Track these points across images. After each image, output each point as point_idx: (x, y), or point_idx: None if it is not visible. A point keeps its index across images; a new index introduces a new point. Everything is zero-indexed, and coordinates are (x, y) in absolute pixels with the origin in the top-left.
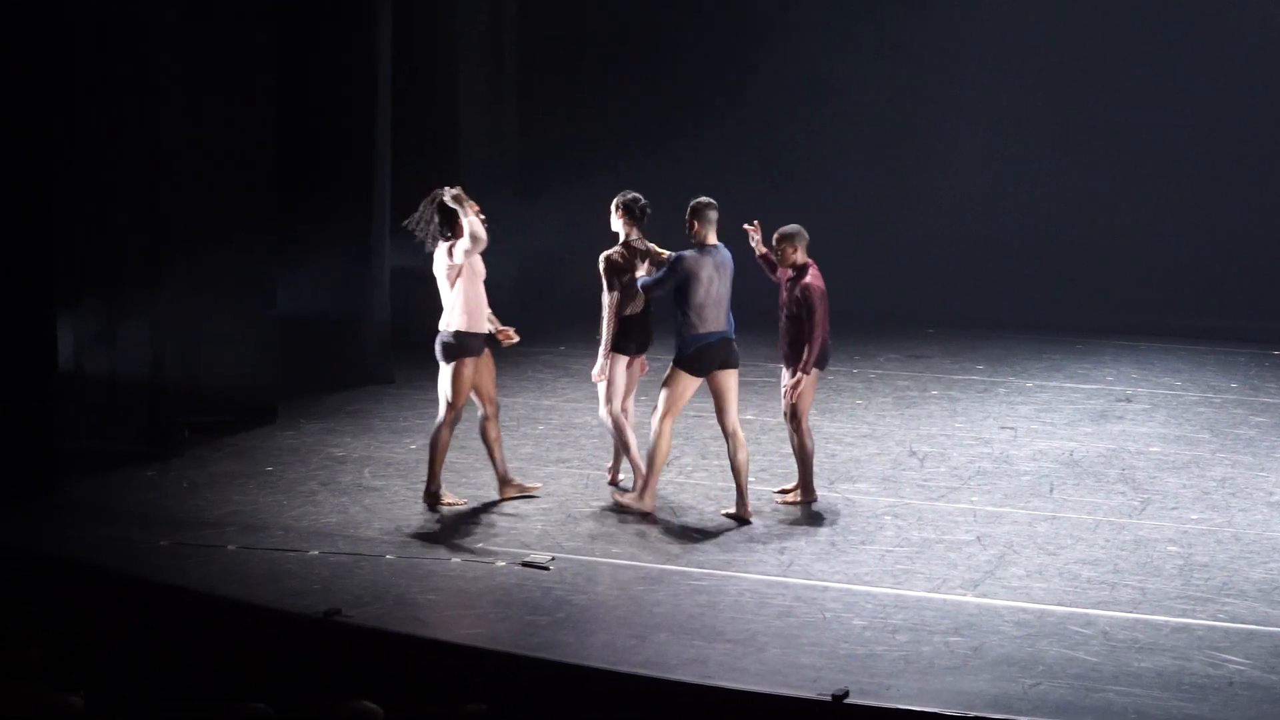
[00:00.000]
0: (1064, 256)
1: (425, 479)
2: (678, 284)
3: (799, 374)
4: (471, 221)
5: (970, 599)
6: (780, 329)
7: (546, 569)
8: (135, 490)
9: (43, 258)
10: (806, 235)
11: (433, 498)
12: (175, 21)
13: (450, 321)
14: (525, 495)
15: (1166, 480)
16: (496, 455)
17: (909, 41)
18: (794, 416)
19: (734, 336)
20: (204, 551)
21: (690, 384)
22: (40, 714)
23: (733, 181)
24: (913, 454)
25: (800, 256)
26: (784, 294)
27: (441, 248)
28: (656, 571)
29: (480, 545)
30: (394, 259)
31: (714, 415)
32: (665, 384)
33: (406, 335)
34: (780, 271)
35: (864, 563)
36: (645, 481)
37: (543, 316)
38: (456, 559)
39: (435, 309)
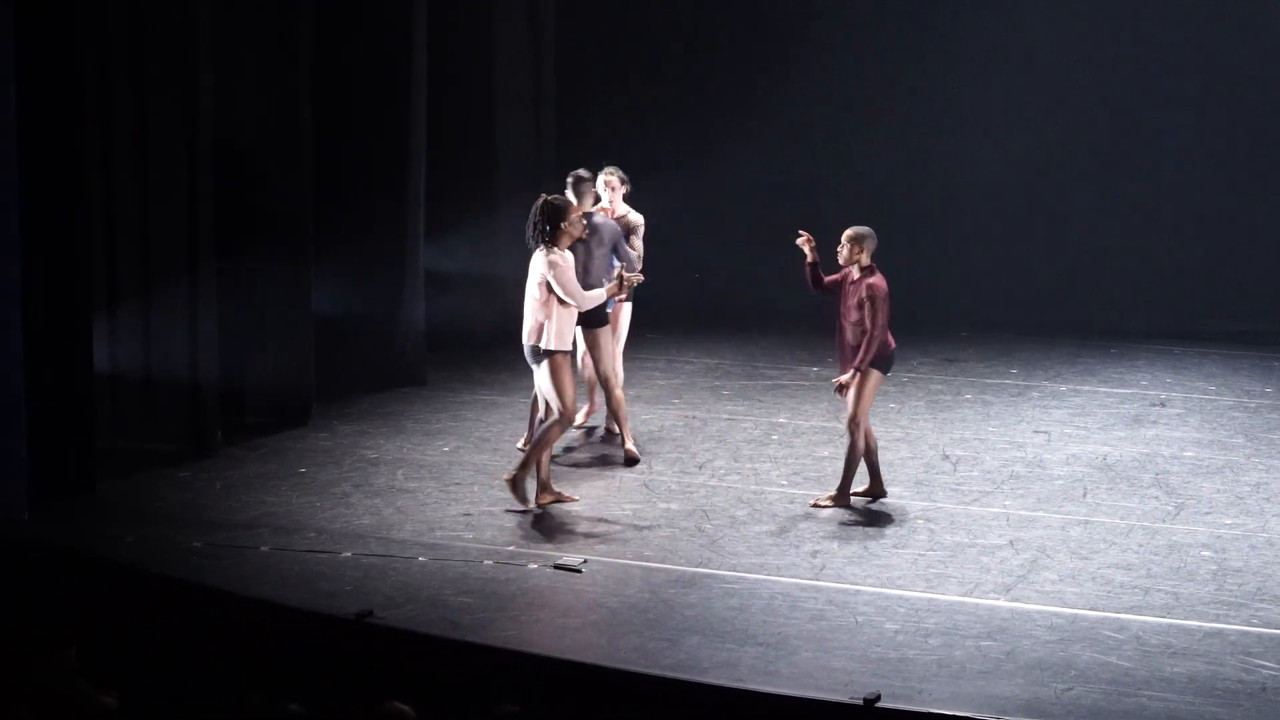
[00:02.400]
0: (1099, 260)
1: (517, 469)
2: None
3: (855, 371)
4: (595, 295)
5: (1003, 603)
6: (839, 331)
7: (579, 571)
8: (170, 491)
9: (81, 259)
10: (875, 238)
11: (525, 495)
12: (213, 24)
13: (535, 337)
14: (559, 502)
15: (1200, 485)
16: (544, 460)
17: (942, 43)
18: (851, 417)
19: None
20: (237, 552)
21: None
22: (76, 712)
23: (771, 184)
24: (946, 458)
25: (866, 258)
26: (846, 297)
27: (540, 255)
28: (689, 574)
29: (512, 547)
30: (428, 261)
31: (749, 419)
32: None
33: (440, 337)
34: (843, 273)
35: (897, 566)
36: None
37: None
38: (489, 561)
39: (467, 311)
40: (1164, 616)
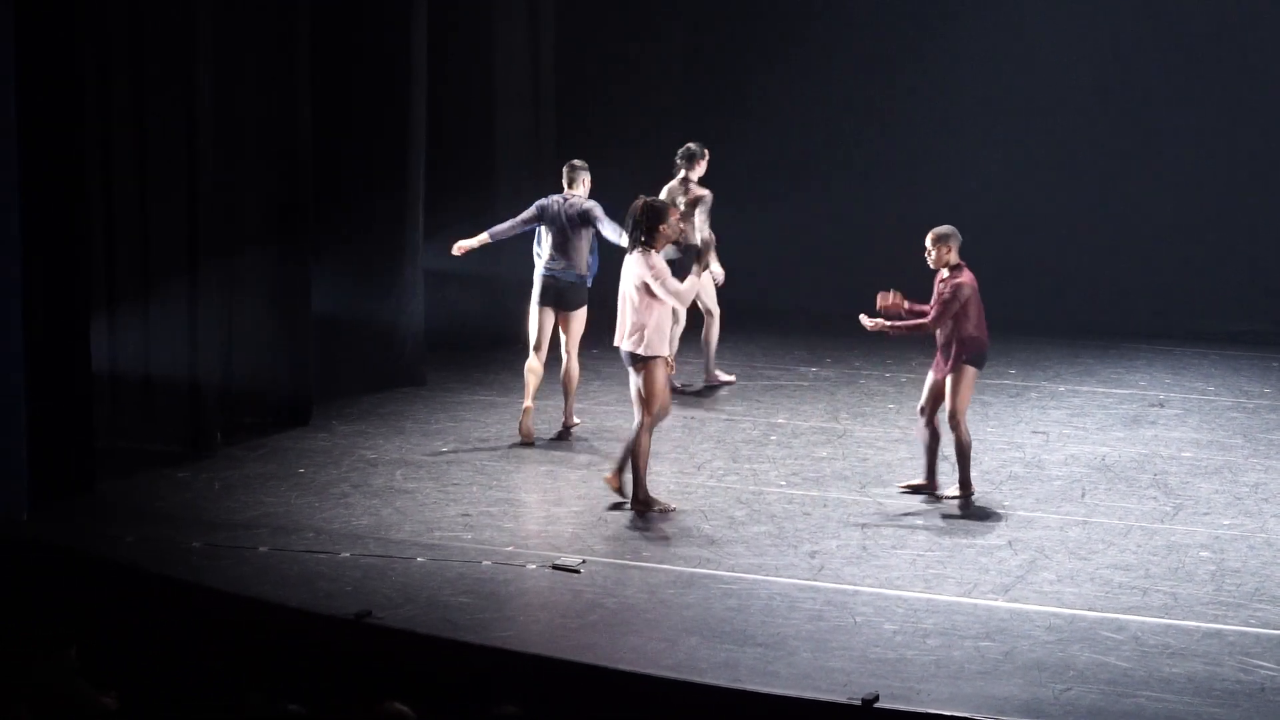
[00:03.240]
0: (1098, 261)
1: (616, 471)
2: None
3: (890, 331)
4: (690, 285)
5: (1001, 604)
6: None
7: (577, 572)
8: (170, 491)
9: (81, 259)
10: (959, 235)
11: (645, 503)
12: (213, 24)
13: (634, 342)
14: (658, 507)
15: (1199, 485)
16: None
17: (941, 43)
18: (951, 414)
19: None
20: (236, 553)
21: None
22: (76, 713)
23: (767, 185)
24: (944, 458)
25: (954, 256)
26: (937, 295)
27: (636, 257)
28: (687, 575)
29: (511, 548)
30: (427, 261)
31: (747, 419)
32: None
33: (439, 337)
34: (937, 276)
35: (895, 567)
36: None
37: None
38: (487, 562)
39: (466, 311)
40: (1162, 617)
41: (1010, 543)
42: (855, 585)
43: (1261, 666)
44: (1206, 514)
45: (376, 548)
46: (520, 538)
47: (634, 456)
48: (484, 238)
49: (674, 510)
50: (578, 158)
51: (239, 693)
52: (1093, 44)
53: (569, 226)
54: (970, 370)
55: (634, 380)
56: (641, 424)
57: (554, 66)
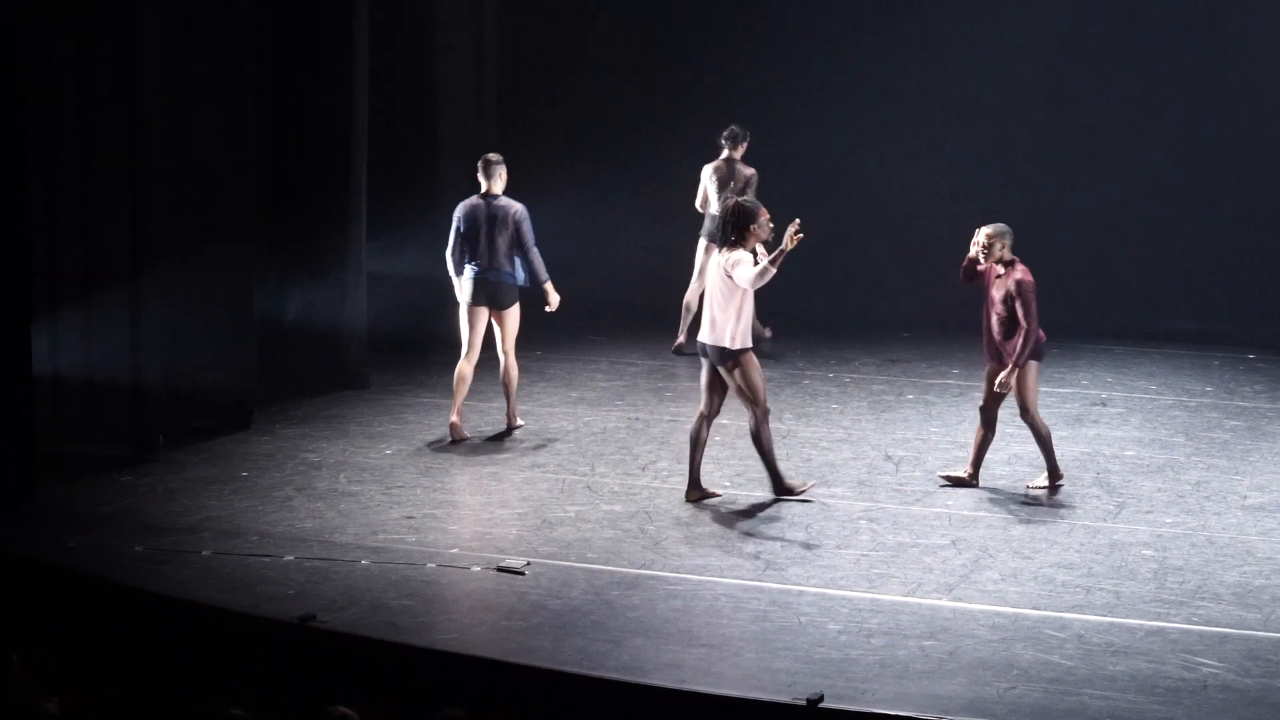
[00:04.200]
0: (1039, 260)
1: (769, 476)
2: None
3: (1014, 366)
4: (762, 269)
5: (945, 603)
6: (986, 326)
7: (522, 574)
8: (112, 495)
9: (21, 261)
10: (1011, 232)
11: (784, 490)
12: (156, 27)
13: (720, 338)
14: (708, 497)
15: (1141, 484)
16: (698, 458)
17: (884, 41)
18: (1023, 410)
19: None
20: (179, 557)
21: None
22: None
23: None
24: (888, 458)
25: (1008, 253)
26: (991, 292)
27: (723, 254)
28: (632, 576)
29: (455, 550)
30: (370, 264)
31: (693, 420)
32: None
33: (383, 340)
34: (986, 269)
35: (839, 567)
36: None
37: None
38: (431, 564)
39: (410, 313)
40: (1106, 615)
41: (954, 542)
42: (800, 585)
43: (1204, 664)
44: (1149, 512)
45: (320, 551)
46: (464, 540)
47: (760, 450)
48: (459, 277)
49: (811, 486)
50: (522, 159)
51: (182, 698)
52: (1038, 41)
53: (496, 228)
54: (1034, 365)
55: (728, 378)
56: (756, 418)
57: (498, 64)
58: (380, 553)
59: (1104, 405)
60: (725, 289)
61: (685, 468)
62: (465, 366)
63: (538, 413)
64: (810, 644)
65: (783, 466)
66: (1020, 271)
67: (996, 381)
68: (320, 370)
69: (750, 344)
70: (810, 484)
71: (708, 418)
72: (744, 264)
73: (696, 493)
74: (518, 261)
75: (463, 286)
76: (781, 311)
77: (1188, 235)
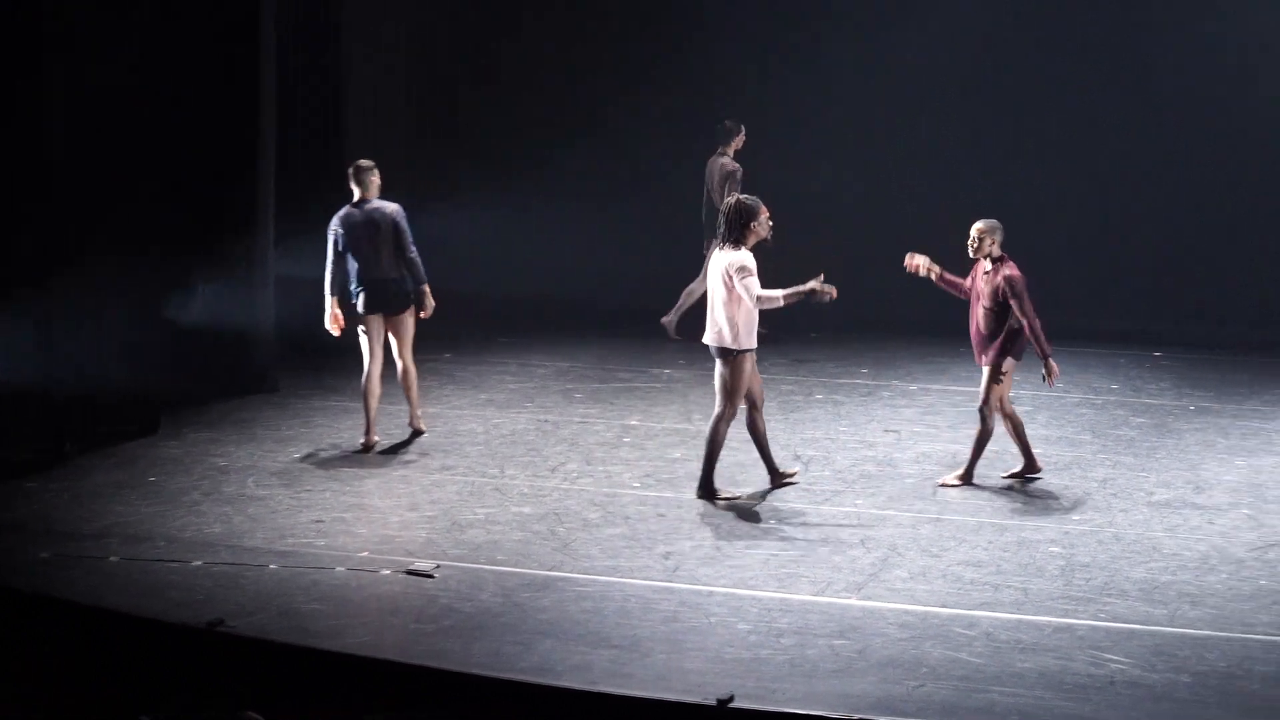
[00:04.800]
0: (947, 258)
1: (702, 471)
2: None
3: (1045, 359)
4: (773, 295)
5: (855, 602)
6: (974, 321)
7: (432, 577)
8: (19, 501)
9: None
10: (1002, 228)
11: (710, 493)
12: (59, 34)
13: (723, 339)
14: (788, 482)
15: (1049, 481)
16: (767, 448)
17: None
18: (984, 403)
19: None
20: (86, 563)
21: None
22: None
23: (613, 184)
24: (797, 458)
25: (997, 249)
26: (978, 286)
27: (725, 254)
28: (542, 578)
29: (364, 554)
30: (278, 268)
31: (601, 421)
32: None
33: (291, 344)
34: (975, 266)
35: (749, 567)
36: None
37: (429, 321)
38: (341, 568)
39: (318, 316)
40: (1013, 613)
41: (863, 541)
42: (710, 586)
43: (1111, 660)
44: (1056, 510)
45: (228, 555)
46: (374, 543)
47: (710, 446)
48: (334, 297)
49: (741, 497)
50: (432, 159)
51: (90, 705)
52: (954, 42)
53: (375, 234)
54: (1010, 362)
55: (720, 371)
56: (720, 415)
57: (406, 64)
58: (289, 557)
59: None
60: (727, 293)
61: (594, 471)
62: (373, 380)
63: (446, 415)
64: (720, 644)
65: (720, 466)
66: (1009, 268)
67: (1044, 378)
68: (228, 374)
69: (752, 345)
70: (739, 495)
71: (754, 410)
72: (752, 278)
73: (778, 478)
74: (400, 269)
75: (355, 296)
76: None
77: (1094, 234)
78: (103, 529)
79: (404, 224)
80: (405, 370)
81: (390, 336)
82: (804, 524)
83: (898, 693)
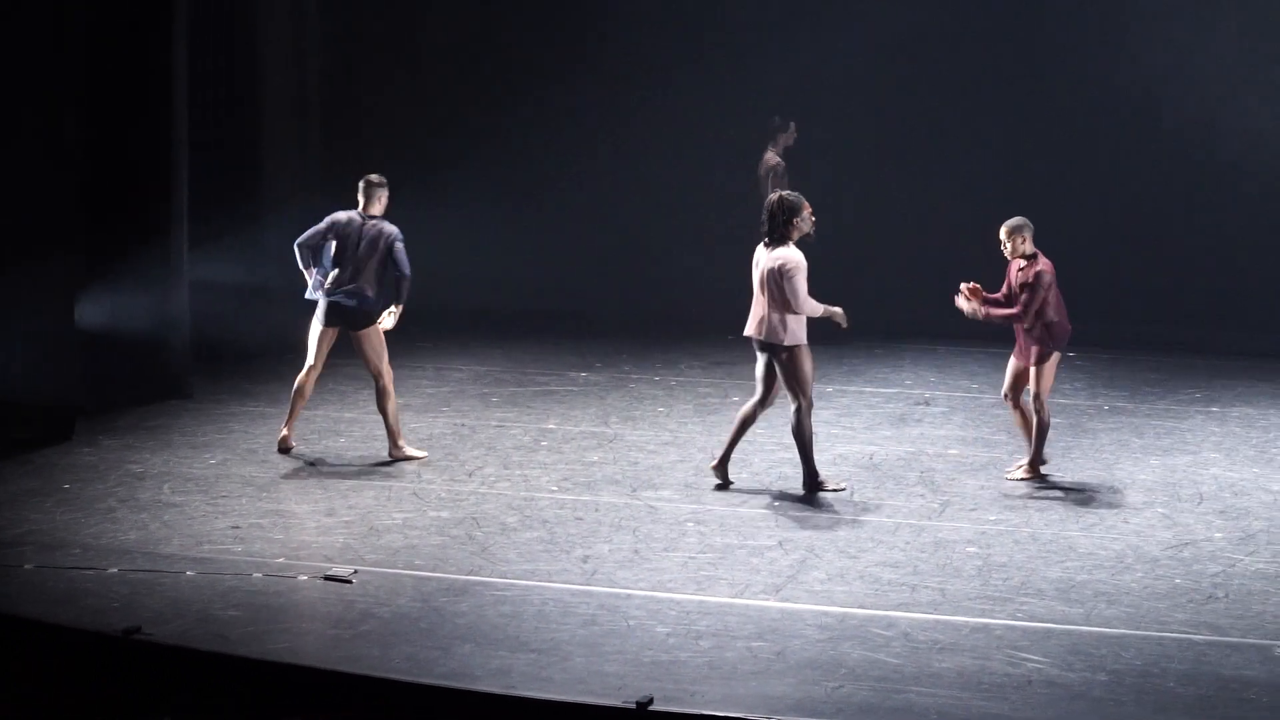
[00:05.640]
0: (861, 260)
1: (804, 468)
2: None
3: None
4: (815, 306)
5: (773, 604)
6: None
7: (349, 582)
8: None
9: None
10: (1031, 225)
11: (816, 485)
12: None
13: (774, 334)
14: (823, 490)
15: (965, 482)
16: (738, 436)
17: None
18: (1035, 397)
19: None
20: (1, 571)
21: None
22: None
23: (533, 187)
24: (714, 460)
25: (1030, 246)
26: (1015, 284)
27: (772, 251)
28: (460, 583)
29: (282, 560)
30: (193, 273)
31: (518, 425)
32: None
33: (206, 350)
34: (1009, 267)
35: (667, 570)
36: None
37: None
38: (258, 574)
39: (234, 325)
40: (931, 613)
41: (781, 543)
42: (628, 589)
43: (1028, 659)
44: (973, 510)
45: (145, 562)
46: (291, 549)
47: (800, 441)
48: (309, 268)
49: (844, 488)
50: (346, 167)
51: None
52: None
53: (365, 249)
54: (1055, 355)
55: (779, 370)
56: (800, 410)
57: (320, 68)
58: (206, 563)
59: (927, 405)
60: (776, 288)
61: (511, 475)
62: (305, 380)
63: (363, 420)
64: (639, 647)
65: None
66: (1041, 264)
67: (958, 300)
68: (143, 380)
69: (803, 339)
70: (842, 485)
71: (760, 404)
72: (801, 277)
73: (721, 472)
74: (377, 289)
75: (319, 301)
76: (607, 315)
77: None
78: (17, 536)
79: (400, 246)
80: (379, 392)
81: (361, 355)
82: (722, 526)
83: (816, 694)
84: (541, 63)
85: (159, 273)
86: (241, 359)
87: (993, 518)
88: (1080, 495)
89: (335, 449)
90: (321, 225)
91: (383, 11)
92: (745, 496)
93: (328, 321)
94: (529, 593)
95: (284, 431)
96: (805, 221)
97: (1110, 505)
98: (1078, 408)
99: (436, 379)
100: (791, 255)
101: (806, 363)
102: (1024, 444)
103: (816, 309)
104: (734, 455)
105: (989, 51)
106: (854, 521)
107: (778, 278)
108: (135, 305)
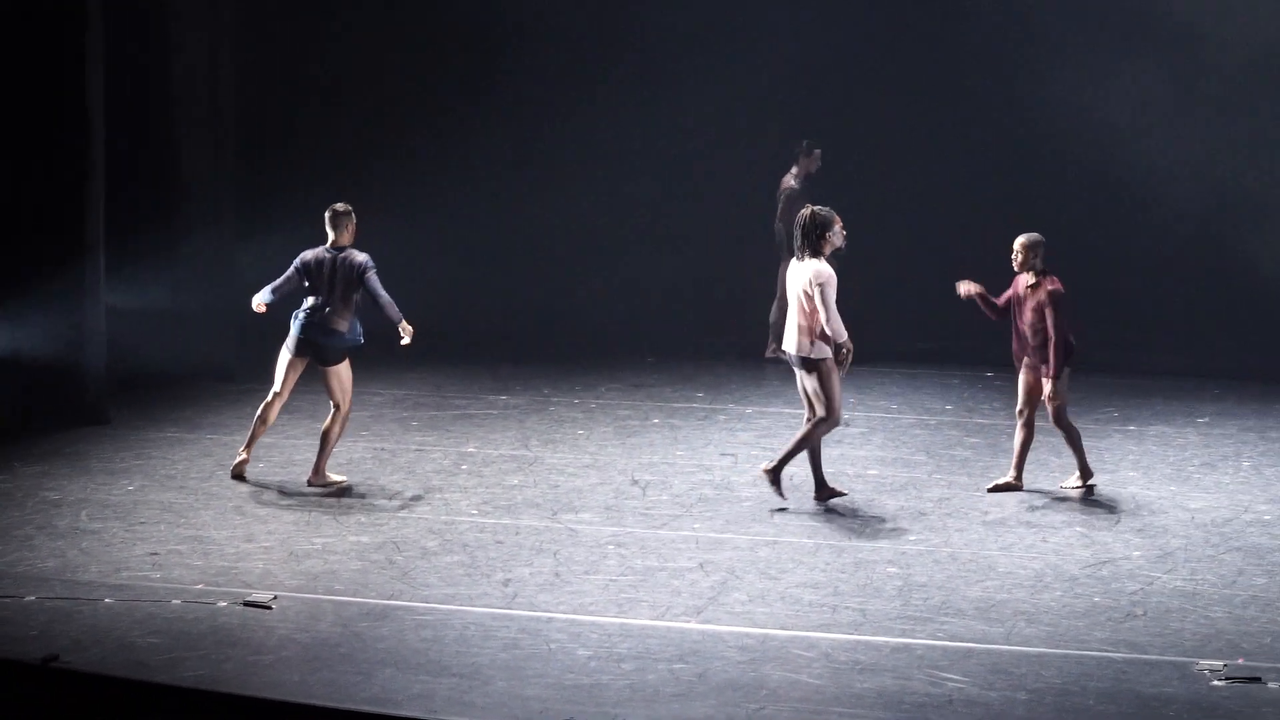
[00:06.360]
0: (773, 283)
1: (814, 478)
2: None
3: (1053, 379)
4: (838, 333)
5: (694, 626)
6: (1017, 335)
7: (269, 608)
8: None
9: None
10: (1044, 242)
11: (827, 494)
12: None
13: (803, 347)
14: (835, 496)
15: (885, 502)
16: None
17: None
18: (1056, 415)
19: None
20: None
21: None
22: None
23: (458, 207)
24: (635, 483)
25: (1040, 263)
26: (1025, 301)
27: (805, 265)
28: (380, 607)
29: (201, 586)
30: (109, 298)
31: (438, 449)
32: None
33: (123, 375)
34: (1015, 279)
35: (588, 593)
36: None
37: (263, 351)
38: (177, 601)
39: (152, 350)
40: (852, 633)
41: (701, 565)
42: (549, 612)
43: (949, 679)
44: (893, 530)
45: (62, 590)
46: (210, 575)
47: (809, 452)
48: (268, 295)
49: (845, 494)
50: (260, 190)
51: None
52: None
53: (339, 283)
54: (1065, 371)
55: (807, 382)
56: (819, 420)
57: (236, 101)
58: (124, 590)
59: (847, 425)
60: (807, 302)
61: (431, 499)
62: (269, 408)
63: (282, 445)
64: (560, 670)
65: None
66: (1051, 283)
67: (1044, 397)
68: (59, 406)
69: (830, 354)
70: (845, 492)
71: (826, 422)
72: (831, 290)
73: (825, 492)
74: (354, 320)
75: (291, 330)
76: (527, 337)
77: (923, 255)
78: None
79: (372, 273)
80: (332, 420)
81: (327, 388)
82: (642, 548)
83: (738, 715)
84: (450, 89)
85: (74, 297)
86: (160, 384)
87: (913, 538)
88: (999, 514)
89: (255, 474)
90: (290, 271)
91: (299, 34)
92: (666, 519)
93: (298, 351)
94: (450, 617)
95: (242, 455)
96: (837, 236)
97: (1029, 524)
98: (996, 427)
99: (356, 403)
100: (823, 269)
101: (834, 377)
102: (1004, 461)
103: (841, 332)
104: (785, 470)
105: (922, 84)
106: (774, 542)
107: (810, 290)
108: (51, 330)
